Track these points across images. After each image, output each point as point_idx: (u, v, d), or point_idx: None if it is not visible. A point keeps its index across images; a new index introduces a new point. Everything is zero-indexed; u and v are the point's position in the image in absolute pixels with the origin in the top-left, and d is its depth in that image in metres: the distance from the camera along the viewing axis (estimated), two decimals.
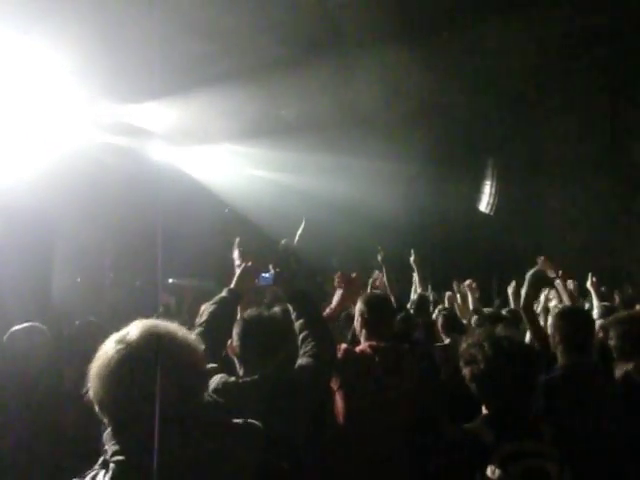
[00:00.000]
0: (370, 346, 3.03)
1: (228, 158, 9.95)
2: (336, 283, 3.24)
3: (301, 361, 2.24)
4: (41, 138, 6.87)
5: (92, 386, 1.42)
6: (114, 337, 1.45)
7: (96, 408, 1.42)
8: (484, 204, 10.99)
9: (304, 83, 7.57)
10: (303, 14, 6.80)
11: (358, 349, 3.06)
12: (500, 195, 10.79)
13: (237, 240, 2.74)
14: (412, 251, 5.77)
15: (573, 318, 2.99)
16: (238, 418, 1.52)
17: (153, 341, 1.41)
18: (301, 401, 2.17)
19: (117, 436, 1.39)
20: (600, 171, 9.49)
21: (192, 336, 1.53)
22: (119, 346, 1.41)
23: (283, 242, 4.07)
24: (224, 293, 2.45)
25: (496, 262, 9.99)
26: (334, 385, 2.89)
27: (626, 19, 7.30)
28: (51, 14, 5.25)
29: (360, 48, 7.36)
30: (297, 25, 6.91)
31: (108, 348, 1.42)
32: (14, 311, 4.19)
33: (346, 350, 2.97)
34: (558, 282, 4.11)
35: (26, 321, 3.28)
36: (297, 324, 2.35)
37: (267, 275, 2.56)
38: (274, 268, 2.57)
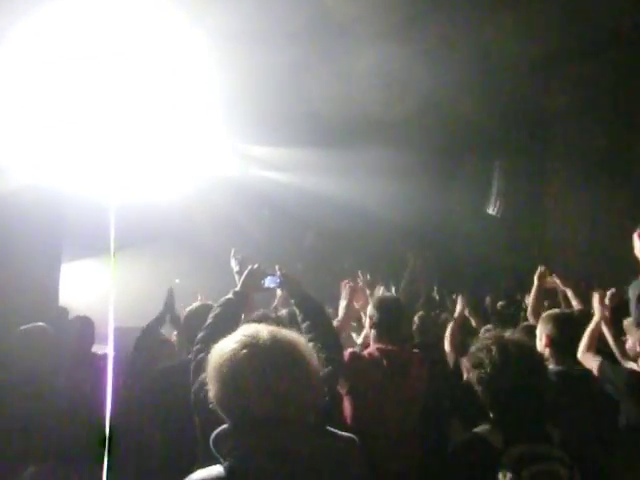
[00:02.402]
0: (378, 349, 3.02)
1: (232, 156, 9.95)
2: (343, 295, 3.25)
3: None
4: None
5: (214, 386, 1.43)
6: (235, 337, 1.45)
7: (217, 408, 1.44)
8: (491, 206, 10.96)
9: (309, 81, 7.57)
10: (303, 12, 6.79)
11: (366, 352, 3.05)
12: (507, 197, 10.76)
13: (233, 251, 2.79)
14: (411, 257, 5.75)
15: (562, 322, 2.98)
16: None
17: (284, 344, 1.43)
18: None
19: (238, 435, 1.39)
20: (607, 172, 9.44)
21: (309, 344, 1.55)
22: (246, 347, 1.41)
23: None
24: (230, 295, 2.45)
25: (502, 264, 9.96)
26: (342, 389, 2.88)
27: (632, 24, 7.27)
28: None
29: (362, 43, 7.34)
30: (298, 22, 6.89)
31: (231, 348, 1.43)
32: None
33: (353, 354, 2.96)
34: (568, 290, 4.12)
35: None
36: (303, 327, 2.34)
37: (273, 277, 2.56)
38: (280, 270, 2.56)
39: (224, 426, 1.43)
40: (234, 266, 2.69)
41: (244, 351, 1.41)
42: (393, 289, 5.47)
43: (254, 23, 6.56)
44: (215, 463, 1.42)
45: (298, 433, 1.40)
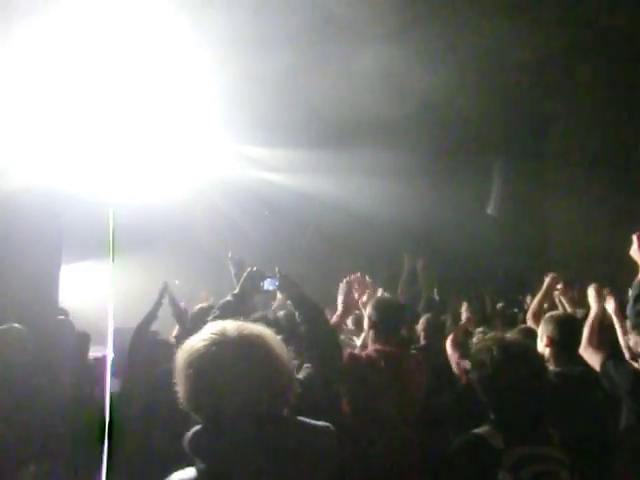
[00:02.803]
0: (376, 350, 3.00)
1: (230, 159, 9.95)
2: (340, 290, 3.22)
3: (306, 366, 2.24)
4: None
5: (184, 386, 1.41)
6: (203, 335, 1.44)
7: (187, 408, 1.42)
8: (491, 206, 10.95)
9: (309, 82, 7.57)
10: (303, 13, 6.78)
11: (364, 353, 3.04)
12: (506, 197, 10.76)
13: (229, 254, 2.80)
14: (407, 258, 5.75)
15: (563, 323, 2.98)
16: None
17: (252, 338, 1.42)
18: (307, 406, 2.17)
19: (210, 435, 1.38)
20: (607, 172, 9.43)
21: (279, 338, 1.53)
22: (215, 344, 1.40)
23: None
24: (229, 297, 2.45)
25: (502, 264, 9.95)
26: (340, 390, 2.87)
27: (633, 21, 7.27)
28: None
29: (363, 45, 7.33)
30: (298, 24, 6.88)
31: (198, 346, 1.41)
32: None
33: (351, 355, 2.95)
34: (556, 293, 4.15)
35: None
36: (302, 328, 2.34)
37: (272, 279, 2.55)
38: (279, 272, 2.56)
39: (197, 427, 1.41)
40: (232, 268, 2.71)
41: (213, 348, 1.39)
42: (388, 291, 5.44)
43: (253, 25, 6.56)
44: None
45: (271, 427, 1.39)
